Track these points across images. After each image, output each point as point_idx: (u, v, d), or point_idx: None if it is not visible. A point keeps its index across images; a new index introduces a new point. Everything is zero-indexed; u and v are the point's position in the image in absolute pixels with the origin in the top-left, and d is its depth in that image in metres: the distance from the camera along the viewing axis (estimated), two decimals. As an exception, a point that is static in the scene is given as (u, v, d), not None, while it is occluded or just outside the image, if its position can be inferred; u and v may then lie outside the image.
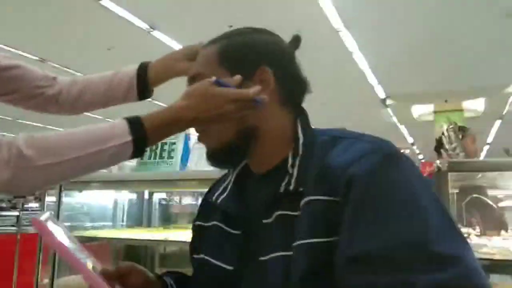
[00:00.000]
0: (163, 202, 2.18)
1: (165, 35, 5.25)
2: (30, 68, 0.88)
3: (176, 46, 5.45)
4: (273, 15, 4.25)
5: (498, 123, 9.56)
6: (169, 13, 4.76)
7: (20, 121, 8.67)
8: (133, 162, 1.96)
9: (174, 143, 1.84)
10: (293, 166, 0.69)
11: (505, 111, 8.64)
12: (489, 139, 10.90)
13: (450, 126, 1.59)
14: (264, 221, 0.69)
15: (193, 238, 0.89)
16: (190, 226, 2.11)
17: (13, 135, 0.62)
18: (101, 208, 2.13)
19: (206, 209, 0.86)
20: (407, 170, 0.61)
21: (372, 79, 7.25)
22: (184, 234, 1.57)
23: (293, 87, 0.76)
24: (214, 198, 0.81)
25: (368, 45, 5.85)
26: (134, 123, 0.69)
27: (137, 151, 0.70)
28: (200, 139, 0.79)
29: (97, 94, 0.91)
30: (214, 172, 1.59)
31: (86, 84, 0.91)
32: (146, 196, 2.07)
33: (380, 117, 9.09)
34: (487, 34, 5.57)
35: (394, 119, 9.41)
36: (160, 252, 1.92)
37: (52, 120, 7.79)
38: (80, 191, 1.87)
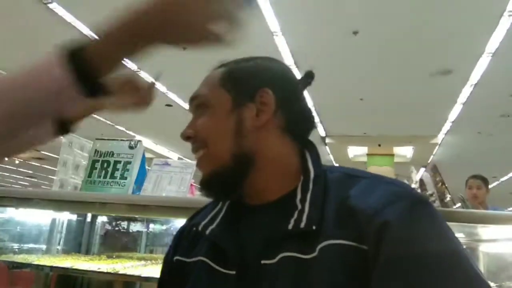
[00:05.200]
0: (108, 227, 1.98)
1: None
2: None
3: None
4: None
5: (422, 170, 10.33)
6: None
7: None
8: (78, 180, 1.77)
9: (129, 163, 1.69)
10: (302, 201, 0.63)
11: (429, 160, 9.37)
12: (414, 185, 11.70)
13: (431, 172, 1.63)
14: (264, 261, 0.61)
15: (166, 275, 0.78)
16: (137, 256, 1.92)
17: None
18: (36, 228, 1.88)
19: (187, 242, 0.76)
20: (437, 218, 0.58)
21: (315, 116, 7.52)
22: (133, 267, 1.41)
23: (297, 118, 0.72)
24: (200, 227, 0.71)
25: (315, 84, 6.11)
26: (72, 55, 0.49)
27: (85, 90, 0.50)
28: (198, 164, 0.72)
29: None
30: (172, 199, 1.49)
31: None
32: (89, 219, 1.87)
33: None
34: (415, 90, 6.14)
35: (331, 157, 9.79)
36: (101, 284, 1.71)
37: None
38: (17, 208, 1.63)
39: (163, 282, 0.79)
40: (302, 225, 0.60)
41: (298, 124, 0.72)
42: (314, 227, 0.59)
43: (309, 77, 0.78)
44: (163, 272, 0.80)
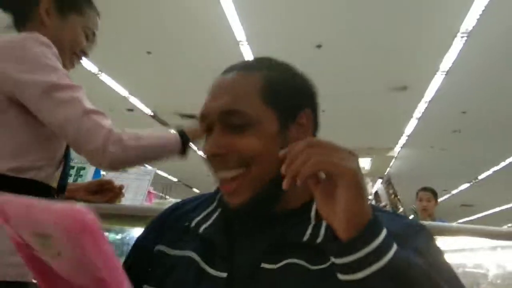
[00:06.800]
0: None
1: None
2: None
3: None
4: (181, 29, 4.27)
5: (379, 182, 10.65)
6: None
7: None
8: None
9: (83, 168, 1.61)
10: (318, 216, 0.59)
11: (386, 172, 9.67)
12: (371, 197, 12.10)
13: (385, 184, 1.66)
14: (264, 265, 0.59)
15: (138, 261, 0.71)
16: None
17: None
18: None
19: (171, 232, 0.70)
20: None
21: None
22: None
23: None
24: (194, 224, 0.67)
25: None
26: (180, 133, 1.08)
27: (183, 149, 1.09)
28: (231, 195, 0.63)
29: None
30: (128, 208, 1.43)
31: None
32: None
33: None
34: (374, 104, 6.35)
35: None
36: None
37: None
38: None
39: (131, 268, 0.69)
40: (319, 240, 0.59)
41: None
42: None
43: None
44: (132, 258, 0.73)
